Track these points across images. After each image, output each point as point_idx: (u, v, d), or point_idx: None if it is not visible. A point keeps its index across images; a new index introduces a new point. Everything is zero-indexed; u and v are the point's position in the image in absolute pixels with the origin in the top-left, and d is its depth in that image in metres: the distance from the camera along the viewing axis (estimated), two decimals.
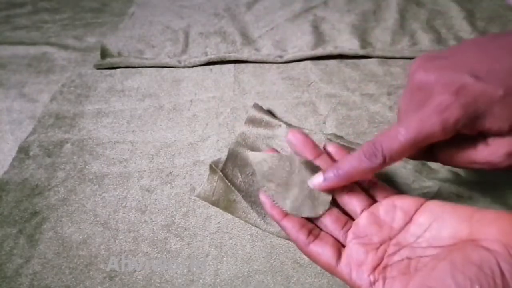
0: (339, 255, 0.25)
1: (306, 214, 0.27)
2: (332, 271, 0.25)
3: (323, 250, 0.25)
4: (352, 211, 0.27)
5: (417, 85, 0.26)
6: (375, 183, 0.28)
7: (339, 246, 0.26)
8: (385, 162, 0.24)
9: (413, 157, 0.28)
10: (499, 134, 0.24)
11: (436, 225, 0.23)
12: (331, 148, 0.29)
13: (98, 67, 0.53)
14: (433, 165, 0.37)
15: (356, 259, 0.24)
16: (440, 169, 0.37)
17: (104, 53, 0.54)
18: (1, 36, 0.61)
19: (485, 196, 0.33)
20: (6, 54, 0.57)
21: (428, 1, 0.61)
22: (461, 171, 0.37)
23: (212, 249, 0.33)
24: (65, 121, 0.45)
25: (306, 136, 0.29)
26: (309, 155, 0.29)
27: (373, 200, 0.27)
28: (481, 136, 0.25)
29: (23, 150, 0.42)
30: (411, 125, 0.24)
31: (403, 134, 0.24)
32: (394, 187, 0.35)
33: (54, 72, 0.54)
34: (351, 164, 0.25)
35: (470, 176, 0.36)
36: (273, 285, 0.30)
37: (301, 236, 0.26)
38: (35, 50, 0.58)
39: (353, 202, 0.27)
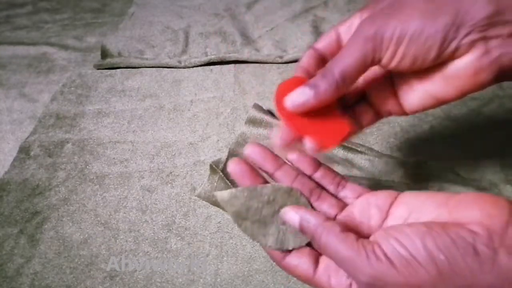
0: (316, 265, 0.24)
1: (291, 246, 0.24)
2: (310, 282, 0.23)
3: (299, 261, 0.24)
4: None
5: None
6: (344, 185, 0.27)
7: (317, 255, 0.24)
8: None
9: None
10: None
11: (414, 215, 0.22)
12: (292, 157, 0.28)
13: (99, 67, 0.53)
14: (433, 164, 0.37)
15: (334, 264, 0.23)
16: (440, 169, 0.37)
17: (104, 53, 0.54)
18: (1, 36, 0.61)
19: None
20: (6, 54, 0.57)
21: None
22: (461, 171, 0.37)
23: (213, 249, 0.33)
24: (66, 121, 0.45)
25: (265, 148, 0.28)
26: (269, 168, 0.27)
27: (343, 203, 0.26)
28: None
29: (24, 150, 0.42)
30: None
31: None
32: (393, 187, 0.35)
33: (54, 72, 0.54)
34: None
35: (470, 176, 0.36)
36: (273, 284, 0.30)
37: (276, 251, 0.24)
38: (35, 50, 0.58)
39: (323, 209, 0.26)
